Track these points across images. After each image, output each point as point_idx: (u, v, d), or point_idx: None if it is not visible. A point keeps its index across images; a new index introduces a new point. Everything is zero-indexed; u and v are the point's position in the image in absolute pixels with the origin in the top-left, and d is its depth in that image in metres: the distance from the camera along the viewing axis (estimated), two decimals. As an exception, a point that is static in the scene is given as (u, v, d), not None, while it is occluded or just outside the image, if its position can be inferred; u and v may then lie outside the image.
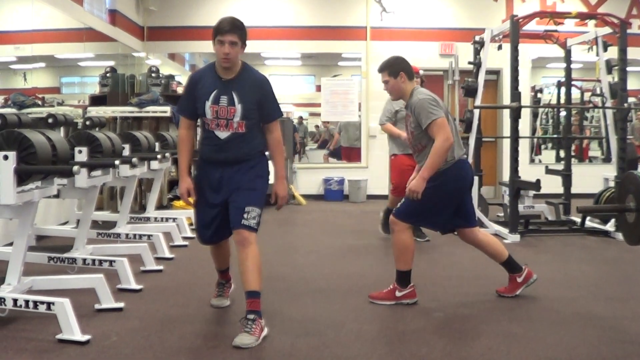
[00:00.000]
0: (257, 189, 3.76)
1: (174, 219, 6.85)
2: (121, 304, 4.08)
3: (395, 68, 4.29)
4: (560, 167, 8.42)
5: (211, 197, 3.80)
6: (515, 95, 6.83)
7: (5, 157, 3.39)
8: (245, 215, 3.63)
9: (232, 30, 3.63)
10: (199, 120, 3.86)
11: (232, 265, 4.15)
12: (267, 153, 3.88)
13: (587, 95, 10.99)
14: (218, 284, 4.30)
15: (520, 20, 7.11)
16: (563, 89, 8.63)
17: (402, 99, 4.37)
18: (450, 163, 4.18)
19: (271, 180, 3.90)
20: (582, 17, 7.77)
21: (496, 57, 8.21)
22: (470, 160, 6.99)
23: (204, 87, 3.73)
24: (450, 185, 4.22)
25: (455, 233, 4.53)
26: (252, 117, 3.73)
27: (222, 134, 3.71)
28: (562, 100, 8.85)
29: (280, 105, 3.89)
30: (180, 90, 9.70)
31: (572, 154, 8.90)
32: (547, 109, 12.12)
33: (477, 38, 8.05)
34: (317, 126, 13.69)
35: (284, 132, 10.62)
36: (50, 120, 5.68)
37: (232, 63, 3.70)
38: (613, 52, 7.42)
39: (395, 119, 6.43)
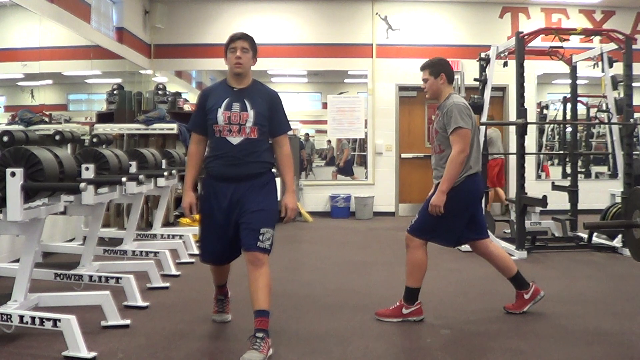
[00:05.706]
0: (269, 209, 3.73)
1: (181, 236, 6.86)
2: (127, 321, 4.08)
3: (437, 68, 4.34)
4: (566, 183, 8.40)
5: (221, 223, 3.77)
6: (522, 111, 6.83)
7: (13, 174, 3.41)
8: (260, 237, 3.61)
9: (243, 37, 3.79)
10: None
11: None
12: (274, 170, 3.89)
13: (593, 111, 11.00)
14: (217, 300, 4.28)
15: (525, 37, 7.13)
16: (569, 105, 8.62)
17: (437, 99, 4.39)
18: (464, 177, 4.19)
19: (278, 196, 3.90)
20: (587, 33, 7.78)
21: (502, 74, 8.21)
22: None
23: (216, 97, 3.77)
24: (464, 198, 4.23)
25: (461, 249, 4.52)
26: (264, 124, 3.75)
27: (235, 139, 3.69)
28: (568, 117, 8.84)
29: (289, 121, 3.93)
30: (187, 107, 9.75)
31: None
32: (553, 125, 12.13)
33: (482, 55, 8.09)
34: (329, 141, 13.64)
35: (291, 149, 10.70)
36: (57, 137, 5.71)
37: (244, 70, 3.77)
38: (618, 68, 7.44)
39: None
